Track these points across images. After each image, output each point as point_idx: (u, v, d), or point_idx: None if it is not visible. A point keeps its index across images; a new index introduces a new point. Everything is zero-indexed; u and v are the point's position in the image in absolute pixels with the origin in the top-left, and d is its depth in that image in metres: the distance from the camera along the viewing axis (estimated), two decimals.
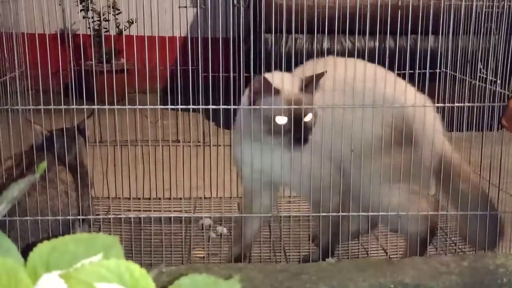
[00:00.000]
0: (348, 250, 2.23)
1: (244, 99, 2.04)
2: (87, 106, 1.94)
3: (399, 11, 2.05)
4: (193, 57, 2.43)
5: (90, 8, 4.07)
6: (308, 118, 1.96)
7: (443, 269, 1.39)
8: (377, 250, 2.34)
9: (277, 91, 1.95)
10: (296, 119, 1.94)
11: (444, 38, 2.30)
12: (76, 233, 2.06)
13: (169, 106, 2.03)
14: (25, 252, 0.74)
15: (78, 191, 2.06)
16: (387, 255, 2.29)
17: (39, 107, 1.87)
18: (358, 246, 2.37)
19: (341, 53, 2.26)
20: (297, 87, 1.98)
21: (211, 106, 1.95)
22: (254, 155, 2.01)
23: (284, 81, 1.97)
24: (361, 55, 2.14)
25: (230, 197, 2.66)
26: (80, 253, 0.76)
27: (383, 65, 2.15)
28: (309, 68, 2.09)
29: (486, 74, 2.12)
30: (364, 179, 2.05)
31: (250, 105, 1.97)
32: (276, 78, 1.99)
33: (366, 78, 2.01)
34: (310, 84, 1.97)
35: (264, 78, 1.93)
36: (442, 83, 2.43)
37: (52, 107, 1.88)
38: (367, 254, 2.29)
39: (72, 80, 2.14)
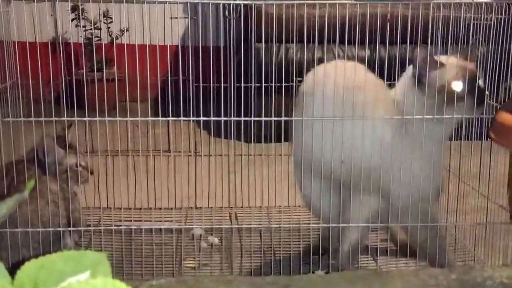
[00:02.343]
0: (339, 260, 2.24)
1: (405, 80, 2.07)
2: (78, 118, 1.94)
3: (389, 21, 2.07)
4: (184, 67, 2.44)
5: (82, 17, 4.08)
6: (481, 82, 1.99)
7: (432, 282, 1.40)
8: (367, 259, 2.35)
9: (442, 65, 1.98)
10: (472, 82, 1.95)
11: (433, 48, 2.32)
12: (67, 243, 2.07)
13: (160, 118, 2.02)
14: (15, 268, 0.74)
15: (68, 201, 2.06)
16: (376, 264, 2.30)
17: (30, 119, 1.87)
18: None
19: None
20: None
21: (201, 118, 1.95)
22: None
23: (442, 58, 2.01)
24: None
25: (221, 207, 2.67)
26: (68, 271, 0.76)
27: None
28: (320, 72, 2.11)
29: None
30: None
31: (414, 84, 1.99)
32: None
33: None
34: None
35: (428, 54, 1.98)
36: None
37: (43, 119, 1.88)
38: (358, 263, 2.30)
39: (63, 90, 2.14)
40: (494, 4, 2.03)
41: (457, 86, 1.98)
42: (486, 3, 2.05)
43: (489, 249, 2.19)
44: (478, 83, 1.97)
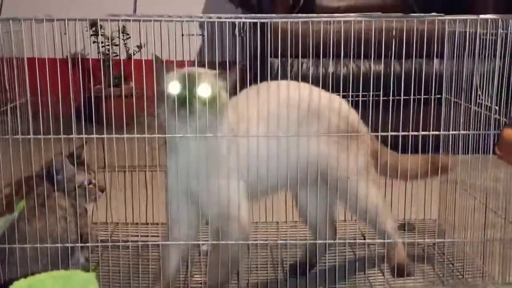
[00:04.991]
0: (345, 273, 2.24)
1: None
2: (86, 136, 1.97)
3: (392, 37, 2.08)
4: None
5: (99, 33, 4.13)
6: (203, 90, 1.83)
7: None
8: (375, 273, 2.33)
9: (170, 67, 1.89)
10: (189, 86, 1.82)
11: (443, 63, 2.33)
12: (77, 258, 2.09)
13: (167, 135, 2.01)
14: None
15: (77, 217, 2.09)
16: (384, 277, 2.29)
17: (39, 136, 1.91)
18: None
19: (346, 76, 2.26)
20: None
21: (219, 135, 1.94)
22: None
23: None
24: (367, 78, 2.15)
25: None
26: None
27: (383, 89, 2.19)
28: (250, 92, 2.12)
29: (484, 100, 2.13)
30: None
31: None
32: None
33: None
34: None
35: (157, 56, 1.89)
36: (443, 107, 2.43)
37: (51, 136, 1.91)
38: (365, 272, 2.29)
39: (74, 107, 2.16)
40: (500, 20, 2.01)
41: (174, 87, 1.83)
42: (492, 19, 2.03)
43: (500, 265, 2.16)
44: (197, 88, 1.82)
